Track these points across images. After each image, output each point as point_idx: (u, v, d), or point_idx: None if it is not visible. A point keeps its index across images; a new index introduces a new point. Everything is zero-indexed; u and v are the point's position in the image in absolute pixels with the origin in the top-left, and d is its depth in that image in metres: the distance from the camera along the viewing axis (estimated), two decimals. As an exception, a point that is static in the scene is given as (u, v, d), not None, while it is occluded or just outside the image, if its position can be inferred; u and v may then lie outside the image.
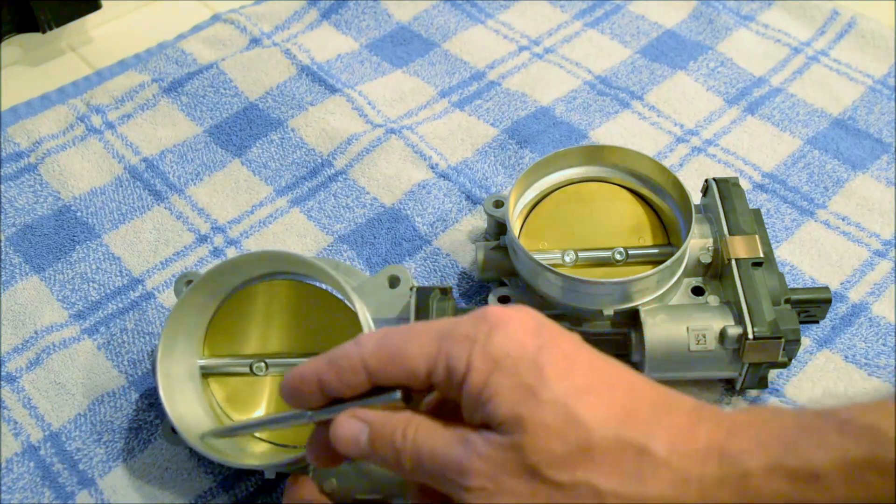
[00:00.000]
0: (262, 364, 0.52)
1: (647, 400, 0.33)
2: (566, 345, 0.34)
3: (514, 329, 0.34)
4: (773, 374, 0.55)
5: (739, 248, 0.54)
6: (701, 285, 0.56)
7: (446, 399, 0.36)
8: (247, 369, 0.52)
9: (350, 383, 0.36)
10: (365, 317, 0.47)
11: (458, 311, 0.50)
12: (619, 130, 0.72)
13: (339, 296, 0.51)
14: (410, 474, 0.35)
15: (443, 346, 0.34)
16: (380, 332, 0.36)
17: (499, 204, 0.59)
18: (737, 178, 0.59)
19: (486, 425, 0.33)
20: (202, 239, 0.65)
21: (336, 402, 0.37)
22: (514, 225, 0.57)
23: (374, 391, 0.36)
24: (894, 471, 0.29)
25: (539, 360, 0.33)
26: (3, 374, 0.57)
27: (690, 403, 0.33)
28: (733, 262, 0.54)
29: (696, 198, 0.60)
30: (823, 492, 0.30)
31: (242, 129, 0.72)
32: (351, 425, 0.35)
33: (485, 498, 0.32)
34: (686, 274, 0.56)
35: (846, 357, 0.57)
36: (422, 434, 0.34)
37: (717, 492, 0.31)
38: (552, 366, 0.33)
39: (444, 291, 0.51)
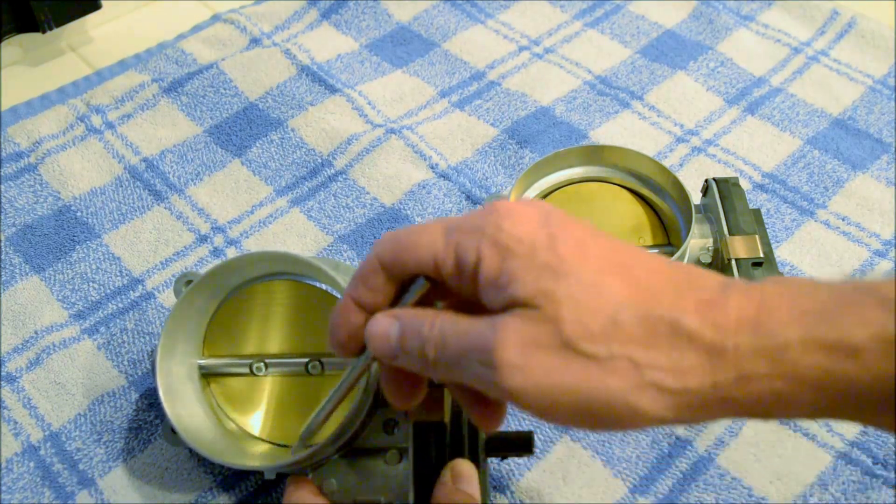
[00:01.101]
0: (262, 364, 0.52)
1: (669, 279, 0.32)
2: (578, 230, 0.33)
3: (522, 218, 0.33)
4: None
5: (739, 248, 0.54)
6: (701, 285, 0.56)
7: (463, 300, 0.35)
8: (246, 369, 0.52)
9: (374, 286, 0.35)
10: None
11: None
12: (619, 130, 0.72)
13: (339, 296, 0.51)
14: (435, 366, 0.34)
15: (450, 237, 0.34)
16: (394, 232, 0.36)
17: (499, 204, 0.59)
18: (737, 178, 0.59)
19: (510, 307, 0.32)
20: (202, 239, 0.65)
21: None
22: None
23: (403, 293, 0.36)
24: None
25: (553, 245, 0.32)
26: (3, 374, 0.57)
27: (716, 279, 0.33)
28: (733, 262, 0.54)
29: (696, 198, 0.60)
30: (862, 366, 0.29)
31: (242, 129, 0.72)
32: (383, 321, 0.35)
33: (516, 374, 0.31)
34: (686, 274, 0.56)
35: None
36: (448, 321, 0.33)
37: (753, 362, 0.30)
38: (567, 250, 0.32)
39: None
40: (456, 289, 0.35)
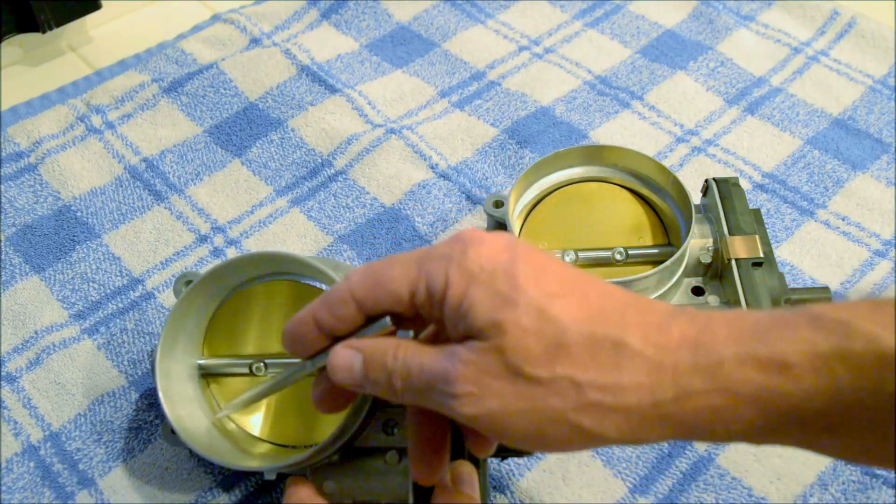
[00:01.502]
0: (262, 364, 0.52)
1: (620, 302, 0.34)
2: (538, 258, 0.35)
3: (488, 246, 0.35)
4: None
5: (739, 248, 0.54)
6: (701, 285, 0.56)
7: (433, 326, 0.38)
8: (246, 369, 0.52)
9: (342, 316, 0.37)
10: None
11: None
12: (619, 130, 0.72)
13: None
14: (402, 394, 0.36)
15: (422, 267, 0.35)
16: (365, 265, 0.38)
17: (499, 204, 0.59)
18: (737, 178, 0.59)
19: (468, 336, 0.34)
20: (202, 239, 0.65)
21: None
22: (514, 225, 0.57)
23: (366, 325, 0.37)
24: (859, 362, 0.30)
25: (512, 270, 0.34)
26: (3, 374, 0.57)
27: (666, 308, 0.35)
28: (733, 262, 0.54)
29: (696, 198, 0.60)
30: (792, 381, 0.31)
31: (242, 129, 0.72)
32: (345, 354, 0.37)
33: (473, 402, 0.33)
34: (686, 274, 0.56)
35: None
36: (411, 353, 0.35)
37: (690, 378, 0.32)
38: (525, 275, 0.34)
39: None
40: (428, 318, 0.36)
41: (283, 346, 0.39)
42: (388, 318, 0.37)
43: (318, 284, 0.52)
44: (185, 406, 0.50)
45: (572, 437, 0.33)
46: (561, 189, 0.60)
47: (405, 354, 0.36)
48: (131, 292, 0.62)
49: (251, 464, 0.47)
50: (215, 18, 0.83)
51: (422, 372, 0.35)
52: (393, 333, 0.37)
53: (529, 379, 0.33)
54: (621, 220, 0.59)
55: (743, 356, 0.31)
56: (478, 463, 0.45)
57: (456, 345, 0.34)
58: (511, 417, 0.33)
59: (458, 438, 0.45)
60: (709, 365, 0.32)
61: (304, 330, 0.38)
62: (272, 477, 0.49)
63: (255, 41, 0.80)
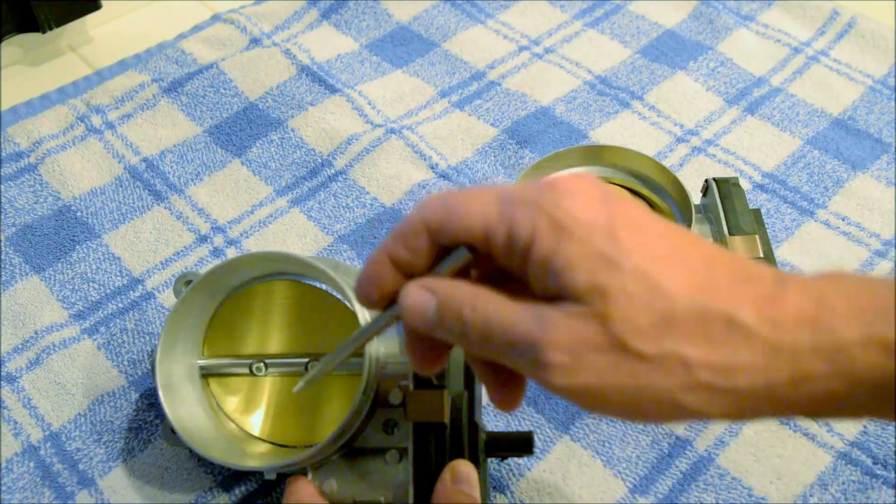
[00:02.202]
0: (262, 364, 0.52)
1: (727, 270, 0.31)
2: (637, 214, 0.32)
3: (582, 197, 0.32)
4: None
5: (739, 248, 0.54)
6: (701, 285, 0.56)
7: (509, 276, 0.34)
8: (246, 370, 0.52)
9: (415, 248, 0.34)
10: (364, 316, 0.47)
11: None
12: (619, 130, 0.72)
13: (339, 296, 0.51)
14: (478, 349, 0.33)
15: (504, 209, 0.32)
16: (441, 193, 0.34)
17: (499, 204, 0.59)
18: (737, 178, 0.58)
19: (558, 297, 0.31)
20: (202, 239, 0.65)
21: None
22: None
23: (443, 258, 0.34)
24: None
25: (612, 228, 0.31)
26: (3, 374, 0.57)
27: (772, 272, 0.32)
28: (733, 262, 0.54)
29: (696, 198, 0.60)
30: None
31: (242, 129, 0.72)
32: (419, 294, 0.33)
33: (565, 374, 0.30)
34: (686, 274, 0.56)
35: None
36: (492, 307, 0.32)
37: (810, 361, 0.29)
38: (626, 234, 0.31)
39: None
40: (502, 263, 0.33)
41: (357, 296, 0.36)
42: (465, 249, 0.33)
43: (318, 284, 0.52)
44: (185, 406, 0.50)
45: (673, 414, 0.30)
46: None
47: (485, 308, 0.32)
48: (131, 292, 0.62)
49: (251, 464, 0.47)
50: (215, 18, 0.83)
51: (504, 332, 0.31)
52: (470, 265, 0.34)
53: (635, 354, 0.30)
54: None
55: (868, 338, 0.29)
56: (478, 463, 0.45)
57: (546, 305, 0.31)
58: (609, 393, 0.30)
59: (457, 438, 0.45)
60: (831, 347, 0.29)
61: (380, 270, 0.34)
62: (272, 477, 0.49)
63: (255, 41, 0.80)
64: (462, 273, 0.34)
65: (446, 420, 0.45)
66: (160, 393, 0.49)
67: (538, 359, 0.30)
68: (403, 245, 0.34)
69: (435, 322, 0.33)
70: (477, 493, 0.44)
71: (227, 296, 0.52)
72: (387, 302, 0.35)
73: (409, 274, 0.35)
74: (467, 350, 0.34)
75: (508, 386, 0.36)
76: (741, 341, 0.29)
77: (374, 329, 0.37)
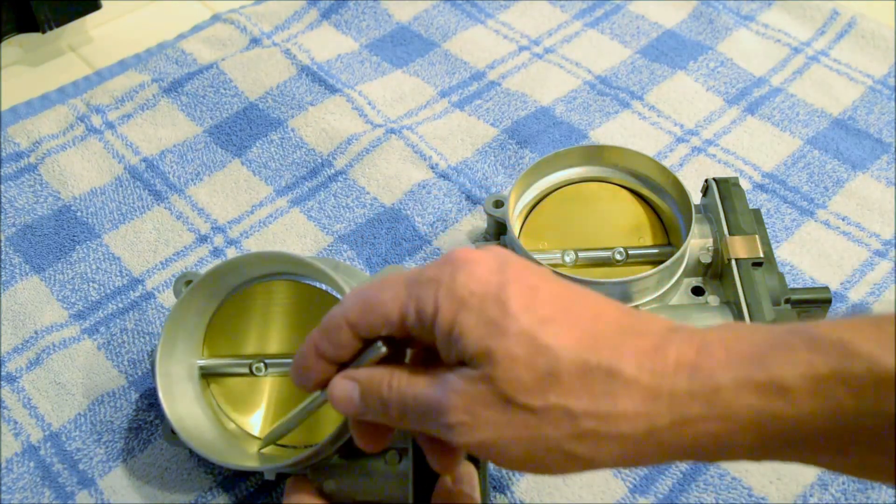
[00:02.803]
0: (262, 364, 0.52)
1: (614, 325, 0.34)
2: (531, 278, 0.35)
3: (478, 268, 0.34)
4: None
5: (739, 248, 0.54)
6: (701, 285, 0.56)
7: (427, 347, 0.37)
8: (246, 370, 0.52)
9: (339, 343, 0.37)
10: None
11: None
12: (619, 130, 0.72)
13: (338, 296, 0.51)
14: (400, 422, 0.36)
15: (412, 290, 0.35)
16: (357, 289, 0.38)
17: (499, 204, 0.59)
18: (737, 178, 0.59)
19: (460, 362, 0.34)
20: (202, 239, 0.65)
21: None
22: (514, 225, 0.57)
23: (364, 349, 0.38)
24: (859, 383, 0.29)
25: (502, 295, 0.33)
26: (3, 374, 0.57)
27: (660, 325, 0.34)
28: (733, 262, 0.54)
29: (696, 198, 0.60)
30: (791, 405, 0.30)
31: (242, 129, 0.72)
32: (343, 385, 0.37)
33: (466, 432, 0.33)
34: (686, 274, 0.56)
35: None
36: (404, 382, 0.36)
37: (687, 405, 0.31)
38: (516, 299, 0.33)
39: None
40: (420, 340, 0.36)
41: (294, 382, 0.40)
42: (380, 343, 0.37)
43: (318, 284, 0.52)
44: (184, 406, 0.50)
45: (568, 464, 0.33)
46: (561, 189, 0.60)
47: (399, 384, 0.36)
48: (131, 292, 0.62)
49: (251, 464, 0.47)
50: (215, 18, 0.83)
51: (416, 402, 0.35)
52: (390, 356, 0.37)
53: (522, 408, 0.32)
54: (621, 220, 0.59)
55: (741, 381, 0.31)
56: (478, 463, 0.45)
57: (448, 372, 0.34)
58: (506, 445, 0.33)
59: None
60: (706, 391, 0.31)
61: (309, 362, 0.38)
62: (272, 477, 0.49)
63: (255, 41, 0.80)
64: (393, 357, 0.38)
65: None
66: (160, 393, 0.49)
67: (443, 421, 0.34)
68: (328, 341, 0.37)
69: (360, 406, 0.37)
70: (477, 494, 0.44)
71: (227, 296, 0.52)
72: (321, 386, 0.39)
73: (336, 363, 0.38)
74: (394, 425, 0.37)
75: (442, 452, 0.39)
76: (621, 390, 0.32)
77: (308, 410, 0.43)
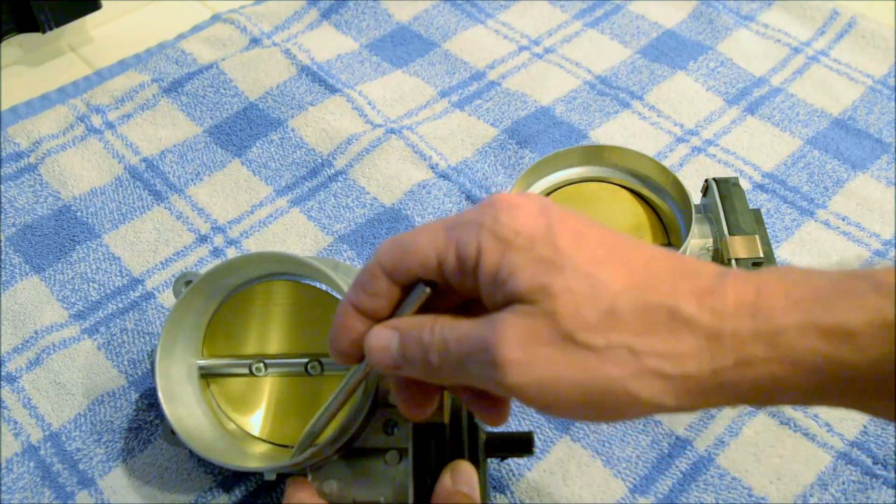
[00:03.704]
0: (262, 365, 0.52)
1: (667, 267, 0.33)
2: (575, 222, 0.33)
3: (520, 211, 0.33)
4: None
5: (739, 248, 0.54)
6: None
7: (467, 301, 0.35)
8: (246, 370, 0.52)
9: (376, 292, 0.35)
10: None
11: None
12: (619, 130, 0.72)
13: (338, 296, 0.51)
14: (441, 370, 0.34)
15: (451, 233, 0.34)
16: (395, 236, 0.36)
17: (499, 204, 0.59)
18: (737, 178, 0.59)
19: (509, 304, 0.32)
20: (202, 239, 0.65)
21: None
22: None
23: (405, 298, 0.36)
24: None
25: (551, 236, 0.32)
26: (3, 374, 0.57)
27: (713, 268, 0.33)
28: (733, 263, 0.54)
29: (696, 198, 0.60)
30: (857, 350, 0.29)
31: (242, 129, 0.72)
32: (381, 334, 0.35)
33: (519, 370, 0.31)
34: (686, 274, 0.56)
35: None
36: (448, 325, 0.34)
37: (751, 346, 0.30)
38: (565, 240, 0.32)
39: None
40: (460, 287, 0.34)
41: (331, 351, 0.37)
42: (422, 285, 0.34)
43: (318, 285, 0.52)
44: (184, 406, 0.50)
45: (629, 406, 0.31)
46: (561, 189, 0.60)
47: (442, 328, 0.34)
48: (131, 292, 0.62)
49: (251, 464, 0.47)
50: (215, 18, 0.83)
51: (460, 342, 0.33)
52: (431, 307, 0.35)
53: (584, 346, 0.31)
54: (621, 220, 0.59)
55: (805, 324, 0.30)
56: (478, 463, 0.45)
57: (497, 313, 0.32)
58: (563, 387, 0.31)
59: (457, 438, 0.45)
60: (770, 332, 0.30)
61: (347, 321, 0.36)
62: (272, 477, 0.49)
63: (255, 41, 0.80)
64: (427, 308, 0.35)
65: (446, 420, 0.45)
66: (160, 393, 0.49)
67: (493, 359, 0.31)
68: (364, 292, 0.35)
69: (399, 357, 0.35)
70: (477, 494, 0.44)
71: (227, 296, 0.52)
72: (360, 353, 0.37)
73: (377, 320, 0.36)
74: (434, 380, 0.35)
75: (490, 404, 0.37)
76: (684, 330, 0.31)
77: (350, 386, 0.39)
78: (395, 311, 0.36)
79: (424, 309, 0.35)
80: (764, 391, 0.31)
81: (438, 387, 0.38)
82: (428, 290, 0.34)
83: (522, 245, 0.32)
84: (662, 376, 0.31)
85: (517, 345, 0.31)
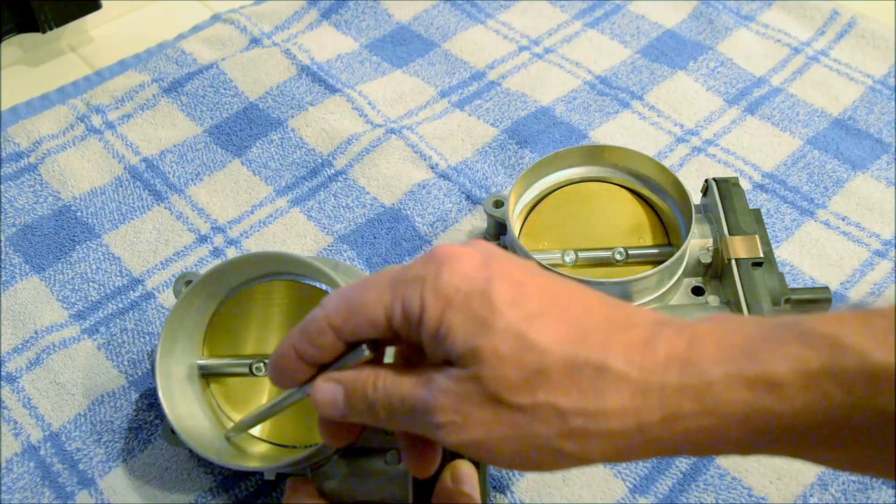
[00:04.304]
0: (261, 364, 0.52)
1: (602, 319, 0.33)
2: (516, 273, 0.34)
3: (462, 264, 0.34)
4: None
5: (739, 248, 0.54)
6: (701, 285, 0.56)
7: (412, 346, 0.37)
8: (246, 369, 0.52)
9: (322, 345, 0.36)
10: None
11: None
12: (619, 130, 0.72)
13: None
14: (387, 423, 0.36)
15: (397, 290, 0.35)
16: (339, 290, 0.37)
17: (499, 204, 0.59)
18: (737, 178, 0.59)
19: (447, 362, 0.33)
20: (202, 239, 0.65)
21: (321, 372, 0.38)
22: (514, 225, 0.57)
23: (347, 352, 0.37)
24: (850, 378, 0.29)
25: (488, 291, 0.33)
26: (3, 374, 0.57)
27: (650, 318, 0.33)
28: (733, 262, 0.54)
29: (696, 198, 0.60)
30: (783, 400, 0.30)
31: (242, 129, 0.72)
32: (327, 388, 0.37)
33: (455, 431, 0.33)
34: (686, 274, 0.56)
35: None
36: (389, 382, 0.35)
37: (678, 400, 0.31)
38: (502, 295, 0.33)
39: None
40: (406, 339, 0.36)
41: (272, 381, 0.39)
42: (364, 347, 0.36)
43: (318, 284, 0.52)
44: (185, 406, 0.50)
45: (558, 461, 0.33)
46: (561, 189, 0.60)
47: (384, 384, 0.35)
48: (131, 292, 0.62)
49: (251, 464, 0.47)
50: (215, 18, 0.83)
51: (403, 402, 0.35)
52: (373, 360, 0.37)
53: (511, 406, 0.32)
54: (621, 220, 0.59)
55: (732, 375, 0.30)
56: (478, 463, 0.45)
57: (435, 371, 0.34)
58: (496, 444, 0.33)
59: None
60: (698, 385, 0.30)
61: (288, 363, 0.37)
62: (272, 477, 0.49)
63: (255, 41, 0.80)
64: (376, 359, 0.37)
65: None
66: (160, 393, 0.49)
67: (432, 421, 0.33)
68: (309, 343, 0.37)
69: (345, 408, 0.36)
70: (477, 494, 0.44)
71: (227, 296, 0.52)
72: (296, 384, 0.39)
73: (316, 365, 0.38)
74: (381, 426, 0.36)
75: (424, 454, 0.39)
76: (610, 386, 0.31)
77: (286, 405, 0.42)
78: (334, 361, 0.37)
79: (374, 359, 0.37)
80: (697, 444, 0.31)
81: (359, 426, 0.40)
82: (367, 353, 0.36)
83: (460, 303, 0.33)
84: (588, 434, 0.31)
85: (452, 409, 0.33)
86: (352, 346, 0.37)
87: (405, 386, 0.35)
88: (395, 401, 0.35)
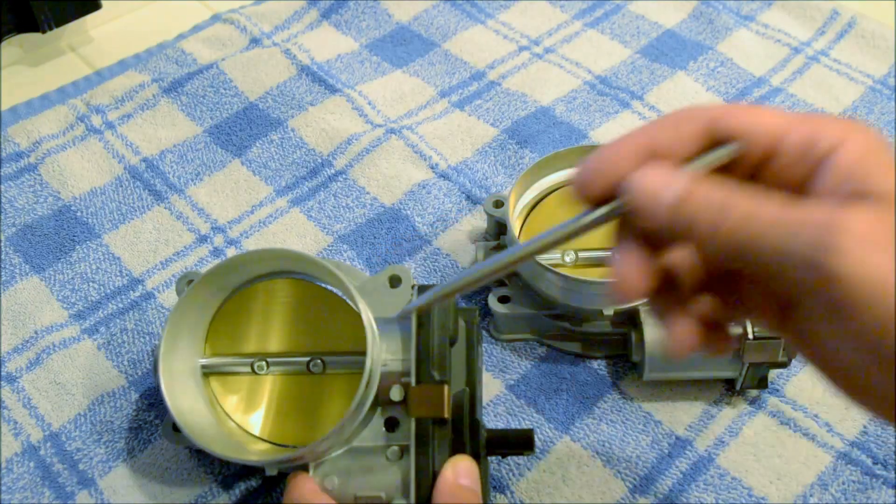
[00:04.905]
0: (264, 363, 0.52)
1: None
2: None
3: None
4: (772, 374, 0.55)
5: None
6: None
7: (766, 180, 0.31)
8: (248, 368, 0.52)
9: (684, 131, 0.31)
10: (368, 316, 0.47)
11: (459, 310, 0.49)
12: (619, 130, 0.72)
13: (341, 294, 0.51)
14: (722, 244, 0.29)
15: (808, 118, 0.30)
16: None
17: (499, 204, 0.59)
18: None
19: (853, 199, 0.29)
20: (202, 239, 0.65)
21: None
22: (514, 225, 0.57)
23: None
24: None
25: None
26: (3, 374, 0.57)
27: None
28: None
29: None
30: None
31: (242, 129, 0.72)
32: (663, 174, 0.29)
33: (862, 262, 0.27)
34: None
35: (846, 357, 0.57)
36: (762, 198, 0.28)
37: None
38: None
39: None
40: (776, 167, 0.31)
41: (578, 176, 0.31)
42: (738, 143, 0.30)
43: (320, 283, 0.52)
44: (187, 401, 0.50)
45: None
46: (561, 189, 0.60)
47: (748, 199, 0.28)
48: (131, 292, 0.62)
49: (253, 458, 0.47)
50: (215, 18, 0.83)
51: (777, 220, 0.28)
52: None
53: None
54: (621, 220, 0.59)
55: None
56: (479, 460, 0.45)
57: (835, 204, 0.28)
58: None
59: (458, 434, 0.45)
60: None
61: (622, 149, 0.30)
62: (273, 472, 0.49)
63: (255, 41, 0.80)
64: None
65: (448, 415, 0.45)
66: (163, 388, 0.49)
67: (828, 242, 0.27)
68: (674, 126, 0.31)
69: (672, 208, 0.29)
70: (479, 489, 0.44)
71: (230, 294, 0.52)
72: (604, 197, 0.31)
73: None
74: (704, 252, 0.31)
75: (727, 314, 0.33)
76: None
77: (580, 226, 0.32)
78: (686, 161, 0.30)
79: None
80: None
81: (659, 267, 0.32)
82: (742, 149, 0.29)
83: (884, 149, 0.29)
84: None
85: (864, 233, 0.27)
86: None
87: (774, 205, 0.28)
88: (762, 214, 0.28)
